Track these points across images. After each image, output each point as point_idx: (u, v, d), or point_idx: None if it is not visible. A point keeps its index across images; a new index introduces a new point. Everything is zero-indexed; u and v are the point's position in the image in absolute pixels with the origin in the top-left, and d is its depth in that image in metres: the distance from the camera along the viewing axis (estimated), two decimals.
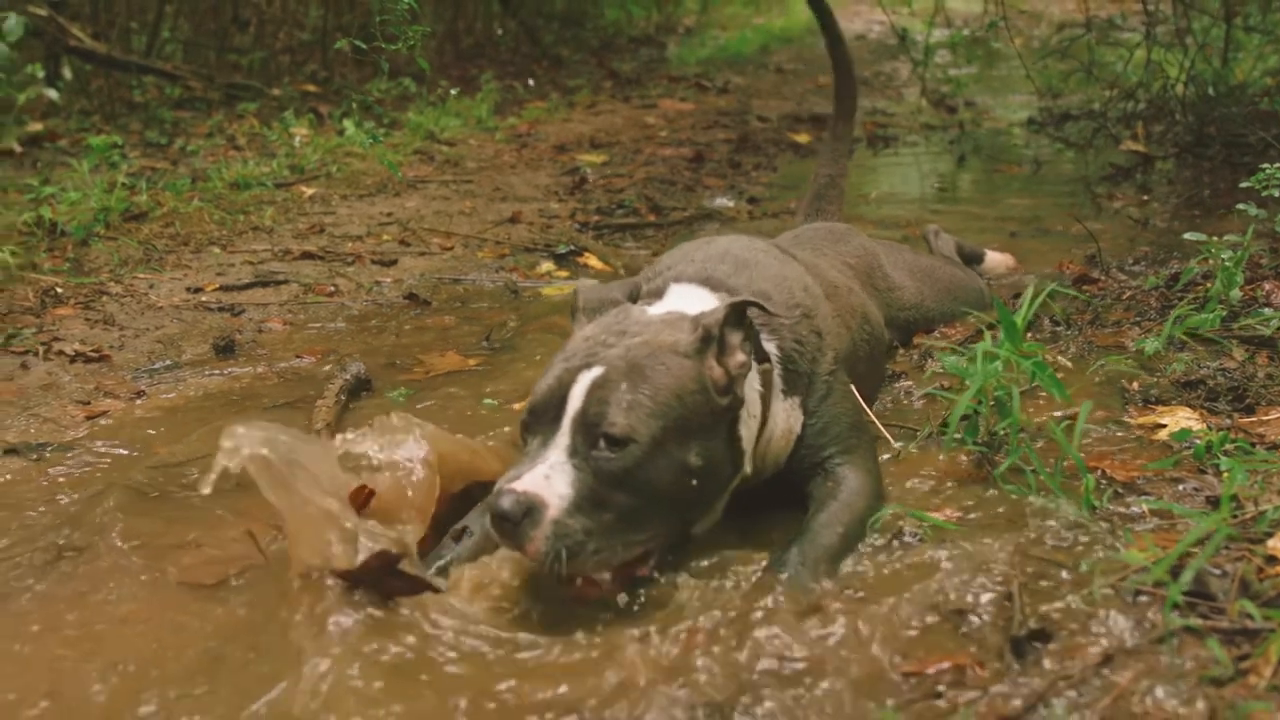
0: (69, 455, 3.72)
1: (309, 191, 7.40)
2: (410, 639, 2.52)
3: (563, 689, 2.40)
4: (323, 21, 12.14)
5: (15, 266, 5.46)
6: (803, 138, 9.81)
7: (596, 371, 2.77)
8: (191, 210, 6.60)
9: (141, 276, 5.62)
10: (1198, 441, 3.32)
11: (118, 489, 3.39)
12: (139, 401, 4.20)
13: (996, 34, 9.70)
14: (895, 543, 2.97)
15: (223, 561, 3.00)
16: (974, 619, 2.59)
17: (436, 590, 2.67)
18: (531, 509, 2.59)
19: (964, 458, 3.37)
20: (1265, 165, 4.72)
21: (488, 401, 4.04)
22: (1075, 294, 4.80)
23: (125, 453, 3.74)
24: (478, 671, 2.47)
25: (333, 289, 5.55)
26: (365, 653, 2.47)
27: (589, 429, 2.69)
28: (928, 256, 5.06)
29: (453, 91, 8.82)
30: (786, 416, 3.21)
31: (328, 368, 4.44)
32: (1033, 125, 9.85)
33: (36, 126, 8.84)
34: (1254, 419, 3.55)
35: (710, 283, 3.24)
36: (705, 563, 2.91)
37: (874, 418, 3.62)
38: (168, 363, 4.59)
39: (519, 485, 2.62)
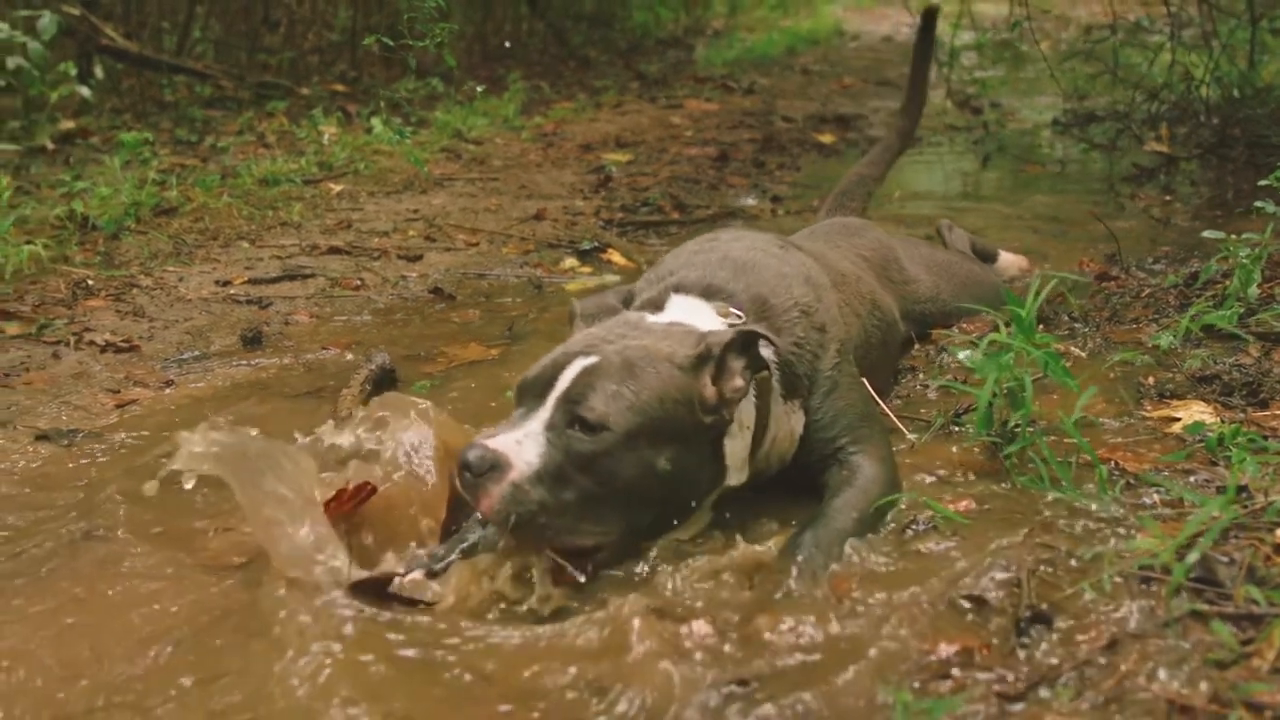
0: (99, 441, 3.80)
1: (337, 188, 7.49)
2: (415, 627, 2.62)
3: (582, 671, 2.46)
4: (352, 22, 12.23)
5: (48, 259, 5.55)
6: (827, 138, 9.84)
7: (591, 360, 2.85)
8: (221, 206, 6.69)
9: (171, 270, 5.71)
10: (1210, 434, 3.36)
11: (143, 474, 3.46)
12: (168, 391, 4.27)
13: (1021, 35, 9.72)
14: (908, 531, 3.02)
15: (247, 544, 3.05)
16: (983, 605, 2.63)
17: (430, 604, 2.72)
18: (495, 467, 2.67)
19: (977, 449, 3.41)
20: None
21: (509, 394, 4.09)
22: (1078, 277, 4.82)
23: (153, 440, 3.80)
24: (490, 656, 2.54)
25: (359, 283, 5.63)
26: (370, 637, 2.56)
27: (569, 409, 2.77)
28: (945, 251, 5.08)
29: (479, 89, 8.87)
30: (788, 419, 3.26)
31: (350, 357, 4.51)
32: (1057, 126, 9.85)
33: (69, 124, 8.94)
34: (1267, 413, 3.58)
35: (709, 291, 3.29)
36: (722, 544, 2.98)
37: (887, 409, 3.67)
38: (196, 353, 4.67)
39: (490, 442, 2.71)
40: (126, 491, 3.33)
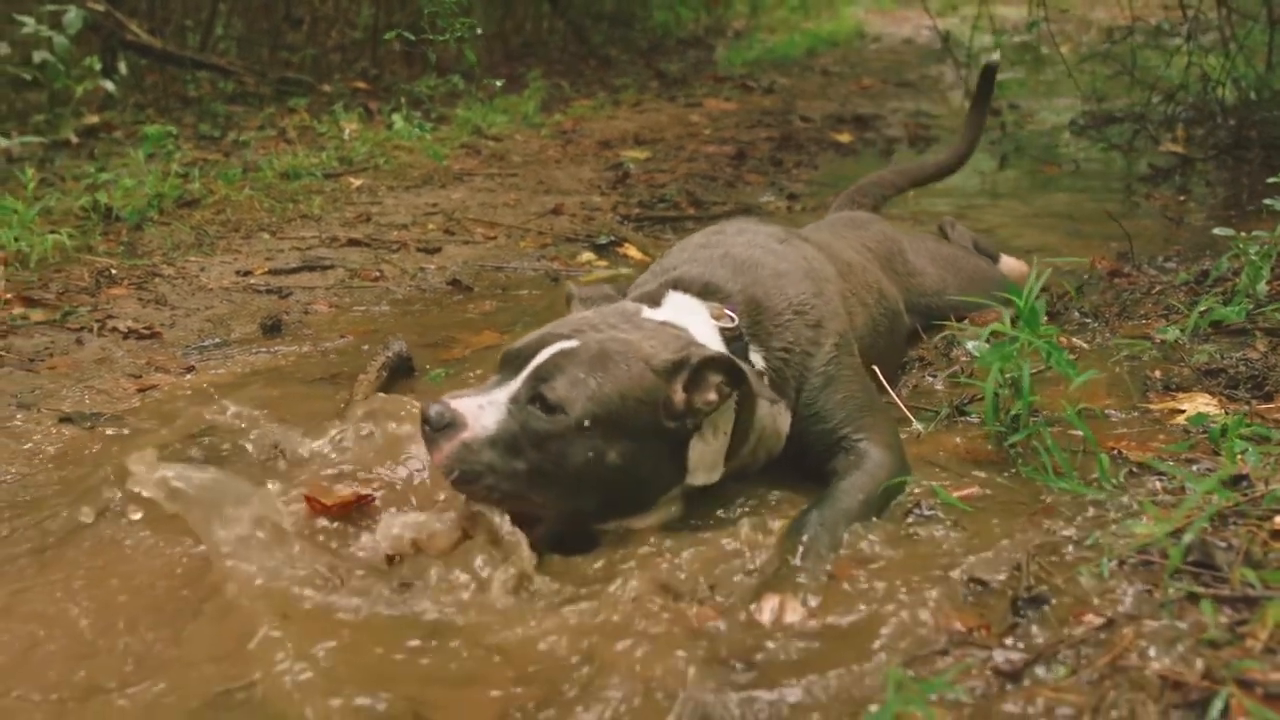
0: (120, 424, 3.87)
1: (357, 182, 7.56)
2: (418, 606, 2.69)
3: (584, 650, 2.52)
4: (374, 20, 12.30)
5: (72, 248, 5.63)
6: (845, 137, 9.88)
7: (570, 344, 2.94)
8: (242, 198, 6.78)
9: (193, 260, 5.79)
10: (1213, 425, 3.40)
11: (162, 454, 3.54)
12: (188, 376, 4.34)
13: (1040, 37, 9.75)
14: (911, 516, 3.08)
15: None
16: (983, 586, 2.69)
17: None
18: (451, 424, 2.79)
19: (982, 439, 3.46)
20: None
21: None
22: (1077, 260, 4.85)
23: (173, 423, 3.87)
24: (494, 635, 2.60)
25: (378, 274, 5.69)
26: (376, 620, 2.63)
27: (534, 386, 2.86)
28: (950, 246, 5.11)
29: (498, 83, 8.93)
30: (773, 420, 3.31)
31: (365, 348, 4.57)
32: (1075, 127, 9.88)
33: (92, 119, 9.02)
34: (1272, 405, 3.61)
35: (707, 290, 3.35)
36: (728, 523, 3.05)
37: (896, 398, 3.72)
38: (217, 341, 4.74)
39: (453, 401, 2.84)
40: (144, 469, 3.39)
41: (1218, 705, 2.12)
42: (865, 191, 5.51)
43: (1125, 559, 2.71)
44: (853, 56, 16.27)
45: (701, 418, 2.99)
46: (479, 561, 2.79)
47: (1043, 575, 2.68)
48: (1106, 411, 3.65)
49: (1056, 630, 2.48)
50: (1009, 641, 2.47)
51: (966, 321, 4.47)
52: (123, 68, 9.77)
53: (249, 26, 12.12)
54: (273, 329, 4.83)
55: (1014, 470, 3.29)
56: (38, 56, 7.79)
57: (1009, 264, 5.51)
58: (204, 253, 5.92)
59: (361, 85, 11.18)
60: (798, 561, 2.78)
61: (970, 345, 3.57)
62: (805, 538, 2.86)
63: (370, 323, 4.99)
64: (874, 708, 2.24)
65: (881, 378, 3.74)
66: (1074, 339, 4.33)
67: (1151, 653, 2.34)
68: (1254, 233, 4.47)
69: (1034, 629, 2.50)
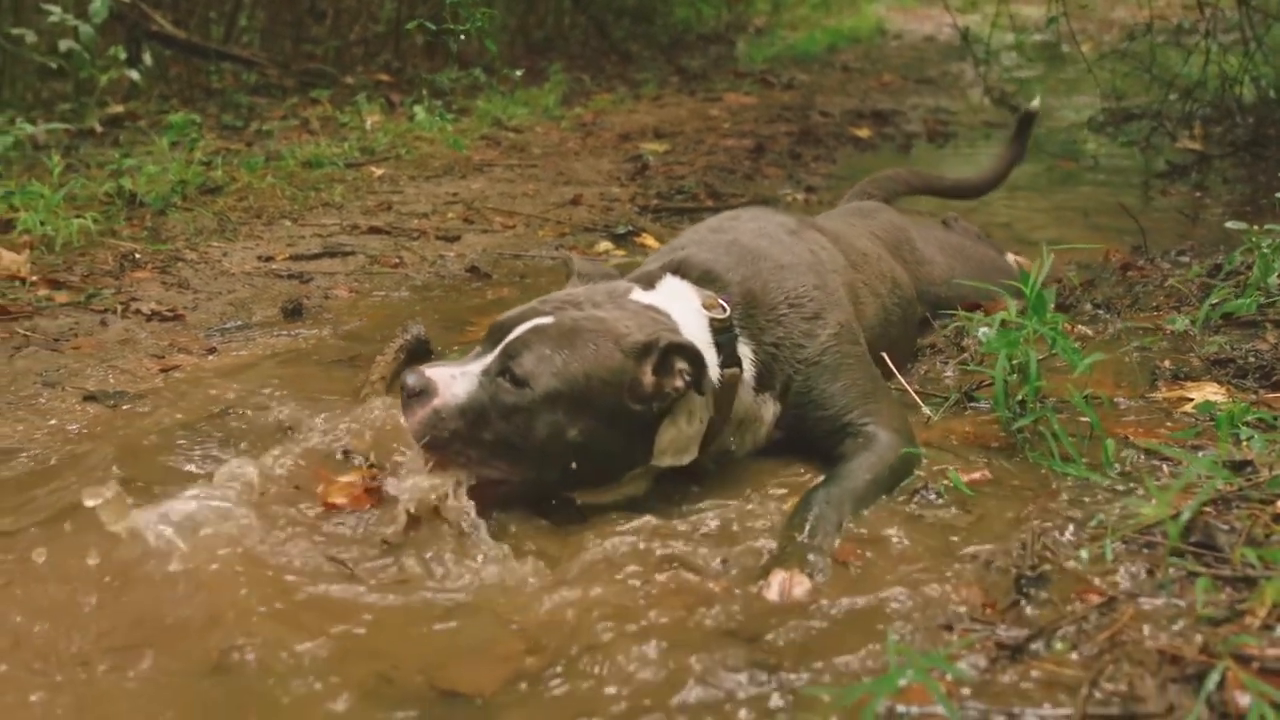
0: (143, 403, 3.93)
1: (378, 172, 7.64)
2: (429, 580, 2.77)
3: (598, 617, 2.58)
4: (396, 14, 12.38)
5: (96, 232, 5.70)
6: (864, 132, 9.92)
7: (545, 320, 3.02)
8: (265, 186, 6.85)
9: (215, 245, 5.86)
10: (1220, 413, 3.43)
11: (184, 431, 3.62)
12: (210, 358, 4.40)
13: (1060, 35, 9.77)
14: (918, 498, 3.13)
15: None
16: (987, 565, 2.74)
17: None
18: (424, 392, 2.93)
19: (991, 424, 3.51)
20: None
21: None
22: (1088, 246, 4.87)
23: (195, 401, 3.93)
24: (512, 605, 2.67)
25: (398, 261, 5.76)
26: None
27: (505, 360, 2.95)
28: (958, 235, 5.14)
29: (517, 73, 8.99)
30: (758, 410, 3.39)
31: (380, 339, 4.62)
32: (1093, 125, 9.89)
33: (117, 108, 9.11)
34: (1279, 395, 3.65)
35: (706, 278, 3.40)
36: (737, 501, 3.11)
37: (906, 385, 3.77)
38: (239, 323, 4.80)
39: (429, 371, 2.98)
40: (159, 447, 3.51)
41: (1214, 678, 2.16)
42: (879, 184, 5.54)
43: (1129, 539, 2.76)
44: (874, 53, 16.31)
45: (668, 402, 3.02)
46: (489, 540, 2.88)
47: (1046, 555, 2.73)
48: (1115, 400, 3.69)
49: (1058, 608, 2.53)
50: (1011, 618, 2.51)
51: (980, 311, 4.51)
52: (147, 58, 9.84)
53: (272, 19, 12.21)
54: (293, 313, 4.89)
55: (1021, 455, 3.34)
56: (63, 45, 7.86)
57: (1014, 261, 5.54)
58: (226, 238, 6.00)
59: (384, 78, 11.26)
60: (804, 538, 2.83)
61: (979, 333, 3.60)
62: (812, 515, 2.92)
63: (389, 308, 5.05)
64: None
65: (892, 365, 3.79)
66: (1081, 327, 4.37)
67: (1151, 629, 2.39)
68: (1267, 226, 4.50)
69: (1037, 606, 2.55)
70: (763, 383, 3.36)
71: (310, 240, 6.06)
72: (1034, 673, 2.31)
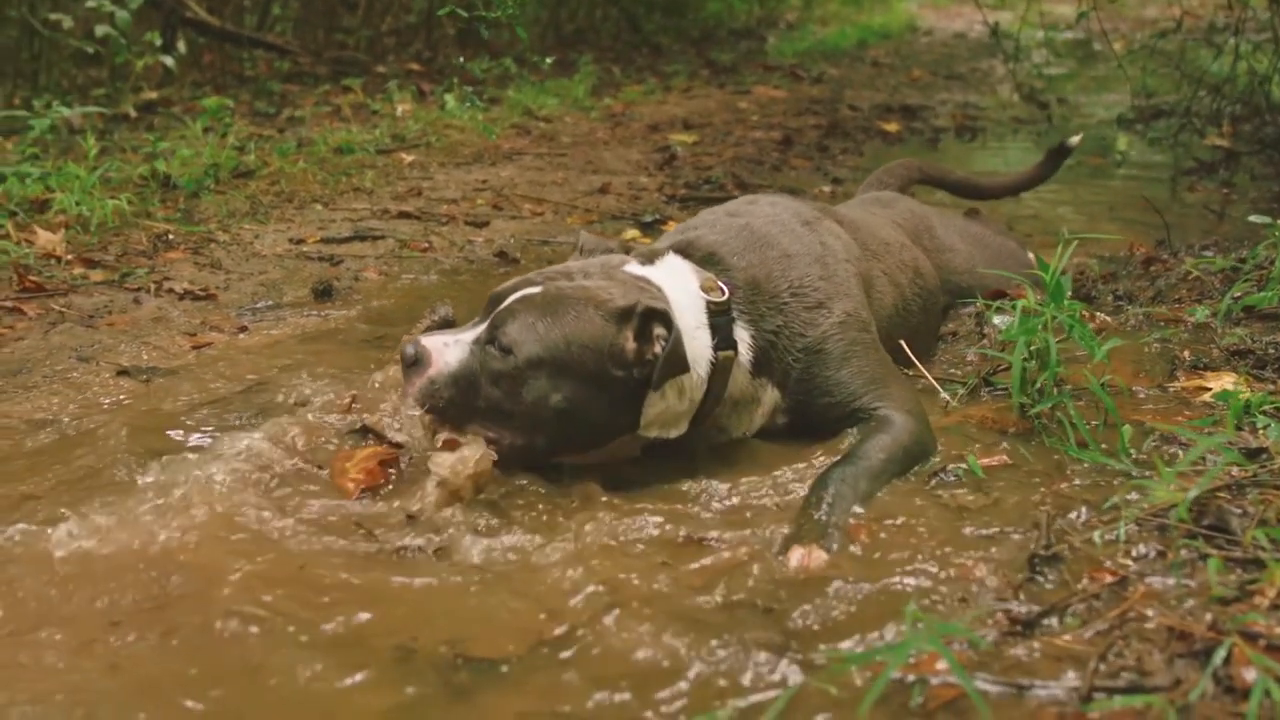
0: (175, 378, 4.01)
1: (409, 158, 7.71)
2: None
3: (618, 584, 2.64)
4: (428, 4, 12.45)
5: (130, 213, 5.79)
6: (892, 126, 9.94)
7: (534, 290, 3.11)
8: (296, 171, 6.93)
9: (247, 227, 5.94)
10: (1236, 401, 3.46)
11: (212, 405, 3.71)
12: (241, 336, 4.47)
13: (1090, 32, 9.77)
14: (934, 480, 3.18)
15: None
16: (1002, 544, 2.79)
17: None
18: (418, 362, 3.07)
19: (1009, 410, 3.54)
20: None
21: None
22: (1109, 236, 4.89)
23: (225, 377, 4.01)
24: (533, 576, 2.74)
25: (427, 245, 5.83)
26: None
27: (494, 329, 3.06)
28: (979, 225, 5.16)
29: (548, 60, 9.04)
30: (755, 393, 3.44)
31: (408, 320, 4.68)
32: (1122, 122, 9.89)
33: (151, 95, 9.21)
34: None
35: (710, 260, 3.45)
36: (755, 479, 3.17)
37: (925, 372, 3.80)
38: (269, 303, 4.87)
39: (425, 340, 3.11)
40: (195, 417, 3.60)
41: (1220, 654, 2.20)
42: (892, 173, 5.58)
43: (1142, 521, 2.80)
44: (904, 49, 16.31)
45: (650, 369, 3.07)
46: (509, 512, 2.97)
47: (1060, 536, 2.77)
48: (1133, 389, 3.71)
49: (1070, 586, 2.57)
50: (1024, 594, 2.55)
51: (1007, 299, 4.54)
52: (181, 45, 9.94)
53: (305, 8, 12.29)
54: (324, 294, 4.96)
55: (1039, 440, 3.37)
56: (100, 30, 7.95)
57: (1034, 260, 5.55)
58: (258, 221, 6.08)
59: (415, 67, 11.32)
60: (821, 515, 2.88)
61: (997, 320, 3.65)
62: (829, 493, 2.97)
63: (418, 290, 5.12)
64: None
65: (910, 353, 3.83)
66: (1101, 315, 4.40)
67: (1161, 608, 2.43)
68: None
69: (1049, 584, 2.59)
70: (760, 368, 3.41)
71: (341, 224, 6.14)
72: (1044, 647, 2.35)
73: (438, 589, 2.66)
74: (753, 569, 2.71)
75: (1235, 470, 2.99)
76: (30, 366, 4.05)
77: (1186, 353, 4.00)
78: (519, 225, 6.34)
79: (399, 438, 3.20)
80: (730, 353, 3.28)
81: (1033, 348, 3.43)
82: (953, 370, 4.02)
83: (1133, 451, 3.19)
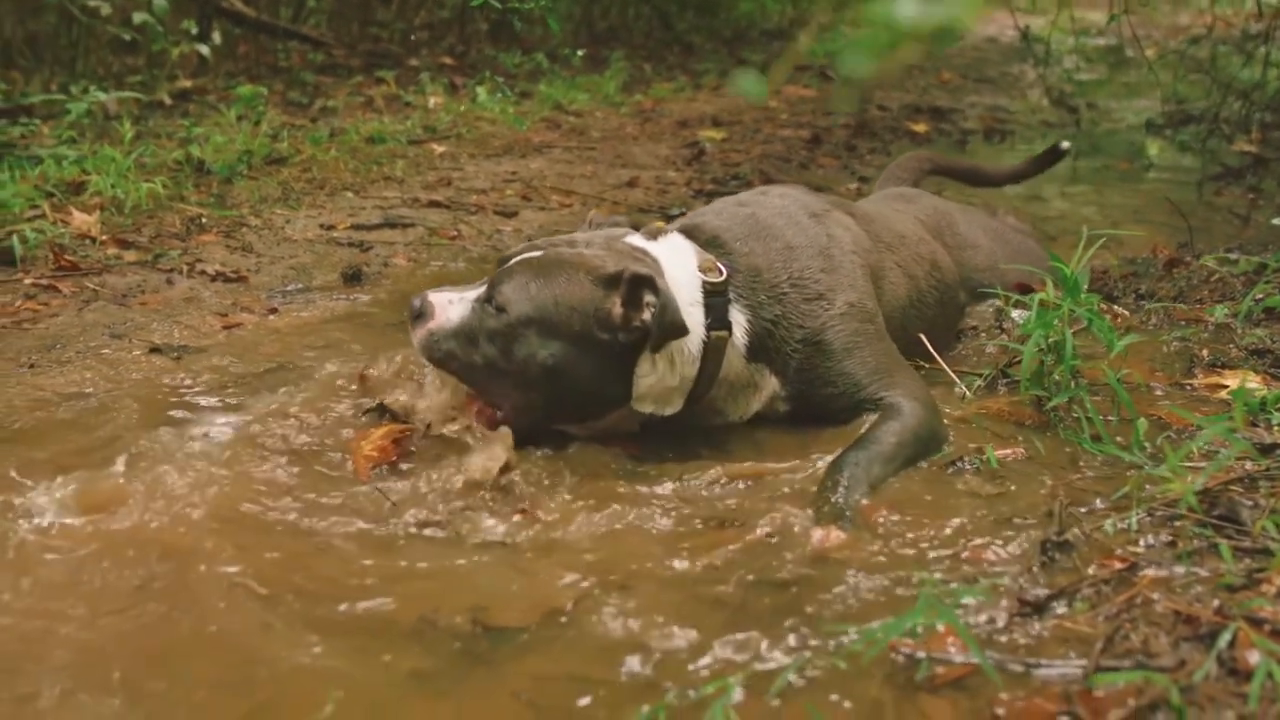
0: (205, 356, 4.08)
1: (439, 149, 7.78)
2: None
3: (635, 554, 2.73)
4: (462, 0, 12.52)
5: (164, 197, 5.87)
6: (920, 127, 9.96)
7: (533, 254, 3.26)
8: (328, 159, 7.01)
9: (279, 213, 6.01)
10: (1253, 398, 3.49)
11: (240, 383, 3.79)
12: (271, 317, 4.54)
13: (1121, 38, 9.76)
14: (950, 469, 3.23)
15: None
16: (1015, 530, 2.83)
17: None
18: (422, 315, 3.24)
19: (1025, 402, 3.58)
20: None
21: None
22: (1130, 233, 4.92)
23: (253, 356, 4.08)
24: (553, 548, 2.81)
25: (455, 233, 5.89)
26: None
27: (492, 288, 3.22)
28: (1000, 222, 5.19)
29: (579, 53, 9.09)
30: (752, 378, 3.49)
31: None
32: (1152, 127, 9.89)
33: (185, 83, 9.30)
34: None
35: (713, 243, 3.51)
36: (771, 461, 3.23)
37: (944, 364, 3.84)
38: (300, 286, 4.95)
39: (431, 295, 3.28)
40: (225, 391, 3.70)
41: (1225, 637, 2.24)
42: (905, 168, 5.68)
43: (1154, 512, 2.84)
44: (934, 51, 16.28)
45: (636, 335, 3.17)
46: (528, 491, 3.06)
47: (1072, 523, 2.81)
48: (1151, 385, 3.75)
49: (1081, 571, 2.61)
50: (1035, 577, 2.60)
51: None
52: (216, 37, 10.02)
53: (340, 1, 12.37)
54: (353, 278, 5.03)
55: (1055, 433, 3.41)
56: (137, 18, 8.05)
57: None
58: (290, 207, 6.15)
59: (448, 61, 11.39)
60: (838, 497, 2.95)
61: (1015, 314, 3.69)
62: (845, 475, 3.04)
63: (446, 277, 5.17)
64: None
65: (929, 345, 3.87)
66: (1119, 309, 4.44)
67: (1168, 593, 2.47)
68: None
69: (1060, 569, 2.64)
70: (755, 353, 3.46)
71: (371, 211, 6.21)
72: (1053, 629, 2.40)
73: (458, 564, 2.73)
74: (769, 549, 2.77)
75: (1249, 465, 3.03)
76: (64, 342, 4.13)
77: (1205, 351, 4.03)
78: (547, 216, 6.40)
79: (418, 404, 3.34)
80: (724, 333, 3.35)
81: (1050, 341, 3.47)
82: (970, 363, 4.06)
83: (1147, 445, 3.22)
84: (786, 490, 3.09)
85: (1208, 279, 4.96)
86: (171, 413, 3.52)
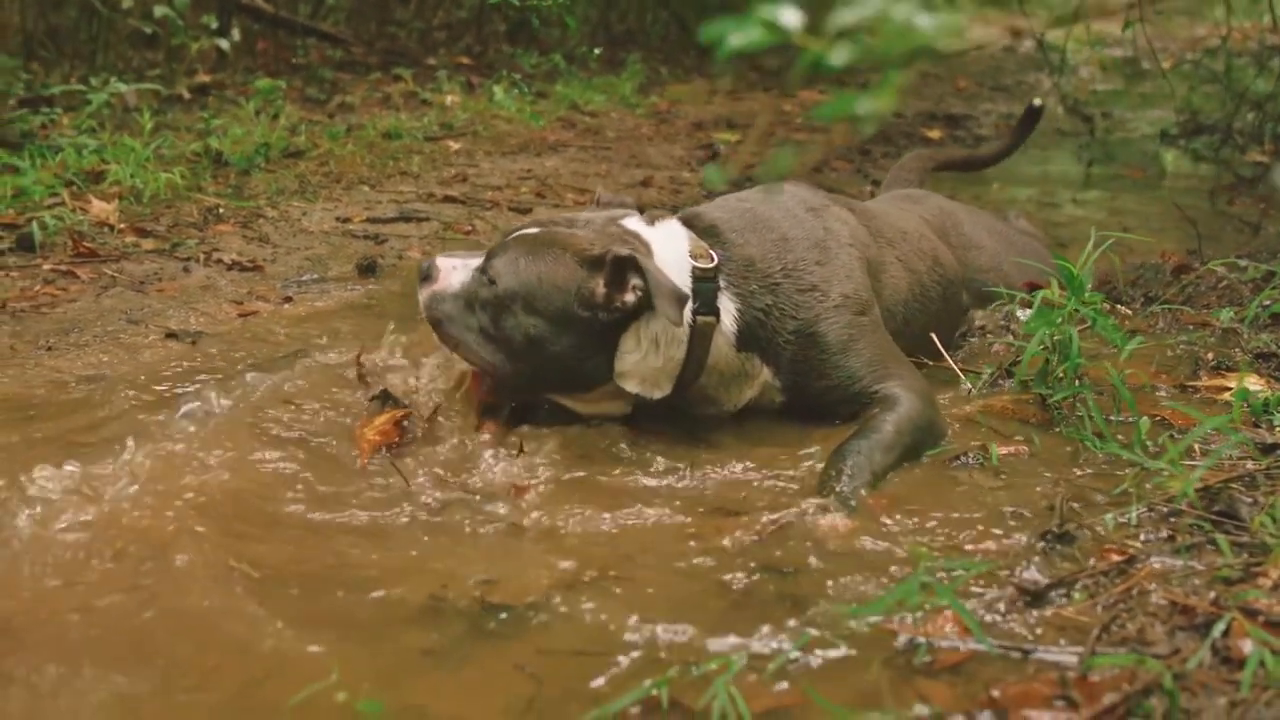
0: (220, 342, 4.14)
1: (455, 146, 7.85)
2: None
3: (634, 545, 2.77)
4: (480, 0, 12.56)
5: (182, 187, 5.94)
6: (934, 134, 9.98)
7: (530, 230, 3.41)
8: (345, 153, 7.08)
9: (295, 205, 6.07)
10: (1255, 399, 3.53)
11: (254, 367, 3.84)
12: (286, 306, 4.61)
13: (1136, 47, 9.79)
14: (953, 464, 3.27)
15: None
16: (1016, 521, 2.87)
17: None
18: (428, 277, 3.43)
19: (1029, 400, 3.61)
20: None
21: None
22: (1136, 238, 4.94)
23: (267, 343, 4.14)
24: (561, 530, 2.86)
25: (470, 228, 5.94)
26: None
27: (488, 260, 3.38)
28: (1007, 224, 5.21)
29: (596, 51, 9.14)
30: (743, 366, 3.53)
31: None
32: (1165, 138, 9.91)
33: (204, 78, 9.36)
34: None
35: (709, 232, 3.55)
36: (775, 449, 3.29)
37: (950, 360, 3.88)
38: (315, 276, 5.00)
39: (439, 258, 3.47)
40: (223, 373, 3.76)
41: (1219, 627, 2.28)
42: (908, 169, 5.74)
43: (1153, 507, 2.87)
44: (952, 60, 16.30)
45: (616, 314, 3.26)
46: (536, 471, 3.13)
47: (1073, 517, 2.85)
48: (1155, 386, 3.78)
49: (1080, 562, 2.65)
50: (1034, 567, 2.64)
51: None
52: (235, 34, 10.08)
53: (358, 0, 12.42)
54: (367, 270, 5.09)
55: (1058, 431, 3.44)
56: (158, 11, 8.12)
57: None
58: (306, 199, 6.21)
59: (465, 61, 11.45)
60: (842, 486, 3.01)
61: (1020, 313, 3.73)
62: (847, 464, 3.09)
63: None
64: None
65: (938, 343, 3.91)
66: (1121, 307, 4.47)
67: (1166, 585, 2.51)
68: None
69: (1060, 560, 2.67)
70: (745, 342, 3.49)
71: (387, 205, 6.27)
72: (1051, 617, 2.43)
73: (466, 542, 2.79)
74: (774, 535, 2.81)
75: (1250, 464, 3.06)
76: (82, 326, 4.19)
77: (1210, 355, 4.06)
78: (561, 213, 6.44)
79: (420, 383, 3.52)
80: (711, 319, 3.40)
81: (1054, 339, 3.50)
82: (976, 360, 4.09)
83: (1149, 444, 3.25)
84: (790, 478, 3.14)
85: (1216, 285, 4.98)
86: (183, 396, 3.55)
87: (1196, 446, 3.25)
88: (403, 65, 10.46)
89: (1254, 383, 3.78)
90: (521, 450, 3.23)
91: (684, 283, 3.34)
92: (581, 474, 3.16)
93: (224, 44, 9.01)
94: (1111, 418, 3.45)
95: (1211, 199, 7.52)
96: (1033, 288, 4.24)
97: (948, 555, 2.69)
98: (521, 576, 2.61)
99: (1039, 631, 2.39)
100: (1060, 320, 3.47)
